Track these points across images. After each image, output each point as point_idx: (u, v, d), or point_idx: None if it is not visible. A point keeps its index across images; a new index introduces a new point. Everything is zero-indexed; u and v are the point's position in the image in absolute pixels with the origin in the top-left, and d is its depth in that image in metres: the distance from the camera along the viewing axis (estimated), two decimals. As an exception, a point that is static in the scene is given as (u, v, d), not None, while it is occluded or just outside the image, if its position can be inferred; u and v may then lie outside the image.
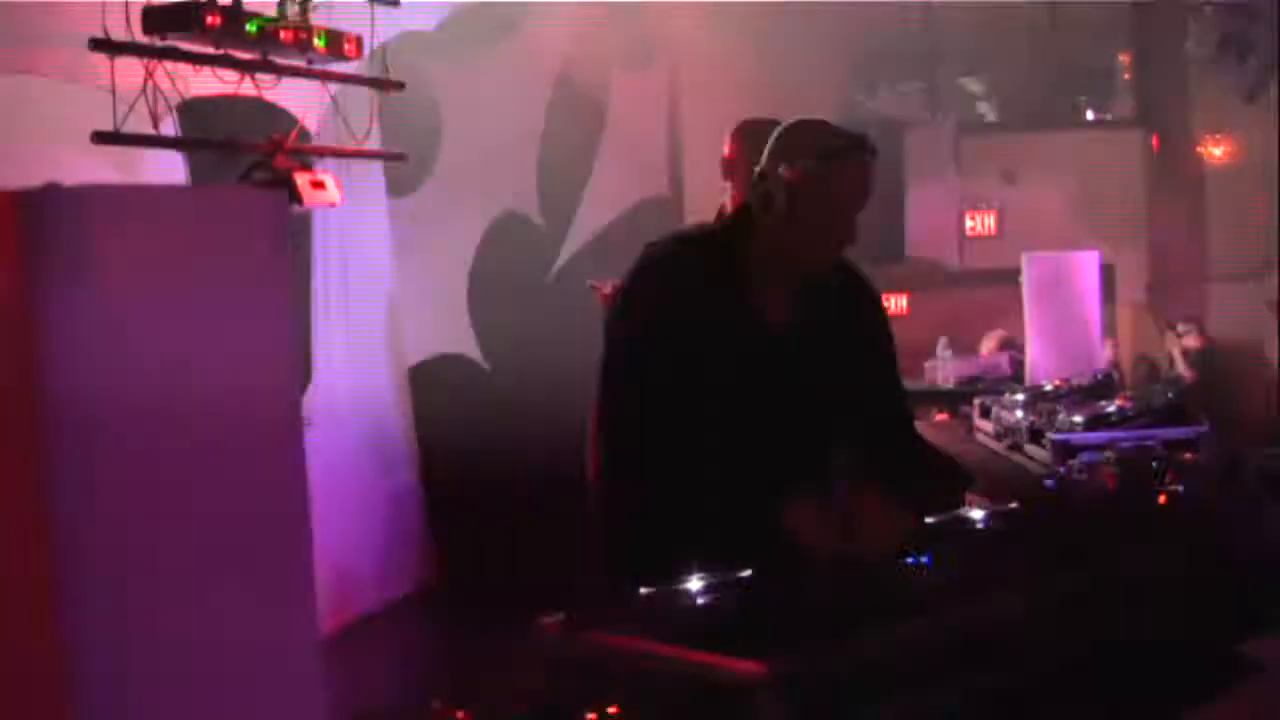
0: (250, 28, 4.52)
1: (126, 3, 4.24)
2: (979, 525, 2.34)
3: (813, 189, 2.51)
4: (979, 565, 2.13)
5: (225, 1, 4.46)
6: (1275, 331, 8.44)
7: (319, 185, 4.95)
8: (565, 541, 3.10)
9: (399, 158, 5.87)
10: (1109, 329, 6.57)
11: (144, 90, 4.30)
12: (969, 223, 9.38)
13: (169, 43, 4.37)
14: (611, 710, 1.71)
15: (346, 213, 5.58)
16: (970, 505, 2.53)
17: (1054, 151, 9.38)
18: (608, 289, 4.16)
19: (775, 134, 2.61)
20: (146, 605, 1.59)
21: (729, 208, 3.27)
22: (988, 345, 7.42)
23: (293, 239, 1.80)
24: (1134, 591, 2.25)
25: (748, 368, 2.57)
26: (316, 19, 4.83)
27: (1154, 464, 3.42)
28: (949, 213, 9.28)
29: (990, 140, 9.67)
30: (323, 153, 5.35)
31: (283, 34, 4.65)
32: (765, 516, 2.43)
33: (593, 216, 7.58)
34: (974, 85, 10.66)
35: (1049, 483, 3.51)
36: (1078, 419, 4.11)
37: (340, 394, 5.92)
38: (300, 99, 5.15)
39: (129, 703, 1.58)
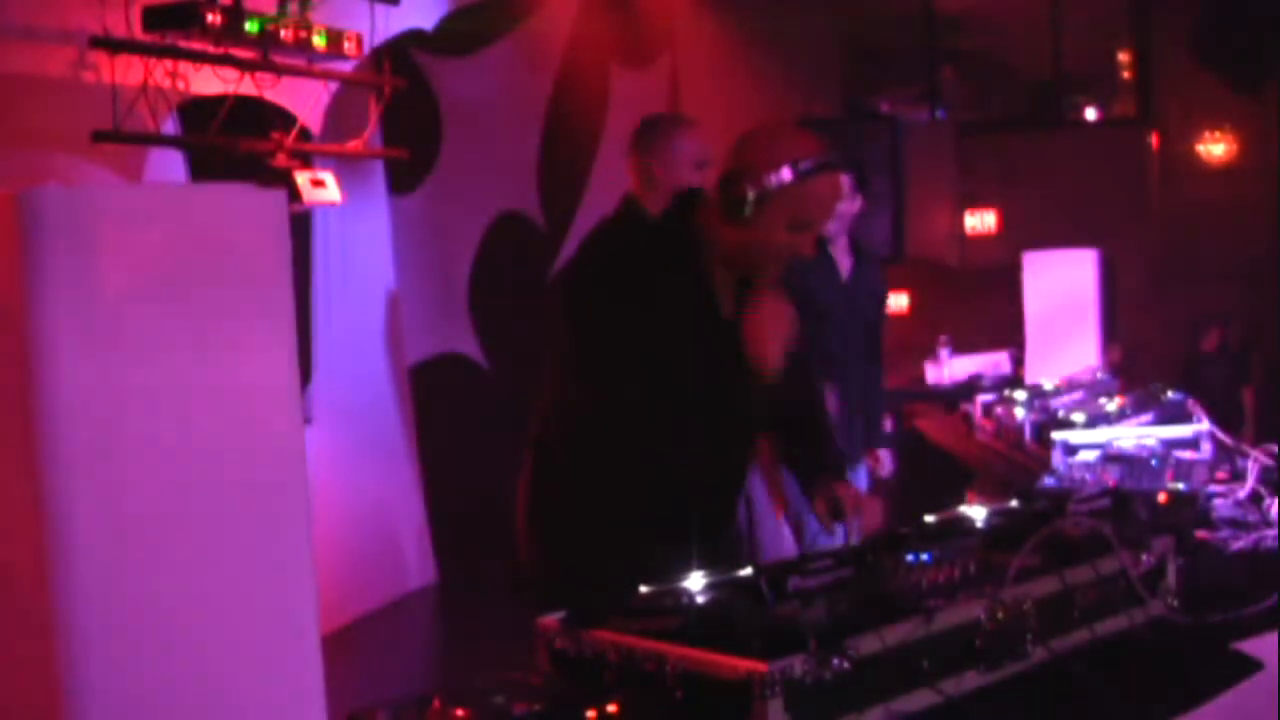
0: (250, 27, 4.52)
1: (127, 2, 4.24)
2: (979, 525, 2.33)
3: (784, 201, 2.40)
4: (979, 564, 2.12)
5: (225, 0, 4.46)
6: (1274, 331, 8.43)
7: (319, 184, 4.95)
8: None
9: (399, 157, 5.86)
10: (1109, 327, 6.55)
11: (144, 89, 4.30)
12: (969, 222, 9.37)
13: (169, 42, 4.37)
14: (611, 710, 1.71)
15: (346, 212, 5.58)
16: (970, 504, 2.53)
17: (1054, 151, 9.37)
18: None
19: (749, 137, 2.51)
20: (146, 604, 1.59)
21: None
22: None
23: (293, 238, 1.80)
24: (1130, 590, 2.25)
25: (706, 352, 2.49)
26: (316, 18, 4.83)
27: (1154, 463, 3.42)
28: (949, 212, 9.27)
29: (990, 140, 9.66)
30: (323, 152, 5.35)
31: (283, 33, 4.65)
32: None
33: (593, 216, 7.57)
34: (974, 85, 10.66)
35: (1049, 481, 3.51)
36: (1078, 418, 4.10)
37: (340, 394, 5.92)
38: (300, 98, 5.15)
39: (129, 702, 1.58)
